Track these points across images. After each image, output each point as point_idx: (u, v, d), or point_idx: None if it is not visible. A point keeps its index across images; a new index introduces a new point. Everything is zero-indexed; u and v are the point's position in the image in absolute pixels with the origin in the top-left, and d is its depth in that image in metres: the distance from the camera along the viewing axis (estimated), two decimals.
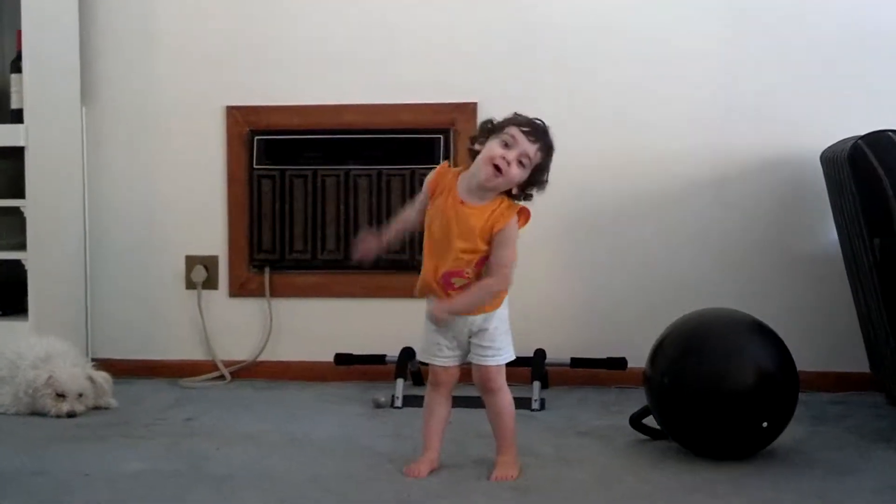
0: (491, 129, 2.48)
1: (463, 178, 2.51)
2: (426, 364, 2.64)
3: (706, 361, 2.67)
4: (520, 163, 2.44)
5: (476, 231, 2.46)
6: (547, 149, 2.48)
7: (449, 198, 2.49)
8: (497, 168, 2.43)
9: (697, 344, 2.73)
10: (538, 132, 2.47)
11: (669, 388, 2.71)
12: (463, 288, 2.49)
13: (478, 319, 2.52)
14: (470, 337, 2.54)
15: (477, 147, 2.49)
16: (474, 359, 2.56)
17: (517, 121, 2.47)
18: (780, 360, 2.71)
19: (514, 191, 2.49)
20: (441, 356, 2.57)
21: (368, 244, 2.58)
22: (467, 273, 2.48)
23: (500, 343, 2.55)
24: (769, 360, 2.70)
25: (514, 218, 2.48)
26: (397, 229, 2.61)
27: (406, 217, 2.61)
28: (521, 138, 2.43)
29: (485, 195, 2.48)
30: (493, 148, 2.44)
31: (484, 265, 2.48)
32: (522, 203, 2.51)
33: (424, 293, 2.55)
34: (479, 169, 2.45)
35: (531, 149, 2.44)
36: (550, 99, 3.60)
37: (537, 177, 2.48)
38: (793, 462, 2.69)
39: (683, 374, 2.69)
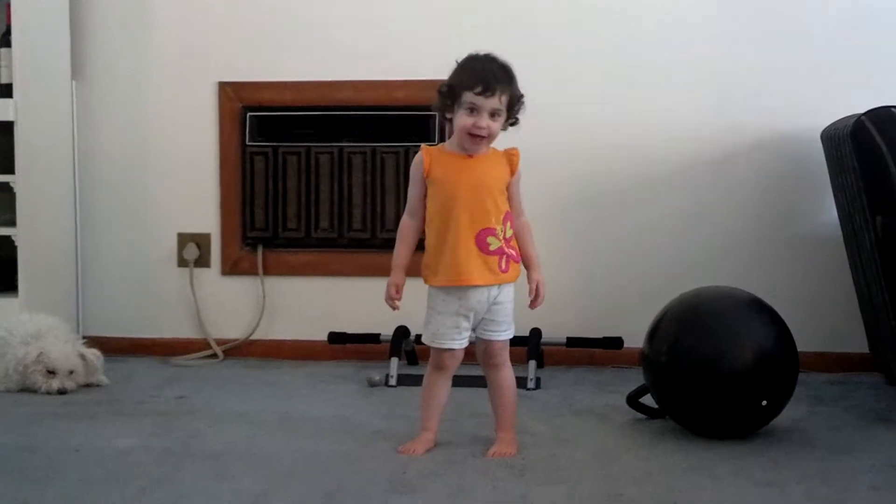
0: (449, 95, 2.48)
1: (450, 143, 2.54)
2: (422, 343, 2.62)
3: (705, 339, 2.64)
4: (492, 116, 2.45)
5: (499, 175, 2.50)
6: (508, 84, 2.46)
7: (453, 162, 2.50)
8: (477, 136, 2.46)
9: (696, 321, 2.69)
10: (491, 84, 2.44)
11: (667, 367, 2.68)
12: (497, 251, 2.48)
13: (495, 291, 2.50)
14: (485, 312, 2.52)
15: (449, 116, 2.50)
16: (483, 334, 2.54)
17: (468, 84, 2.44)
18: (779, 337, 2.68)
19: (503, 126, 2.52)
20: (459, 339, 2.53)
21: (401, 290, 2.55)
22: (499, 232, 2.49)
23: (511, 318, 2.55)
24: (769, 337, 2.67)
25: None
26: (410, 249, 2.56)
27: (409, 232, 2.55)
28: (482, 100, 2.43)
29: (479, 149, 2.50)
30: (462, 119, 2.45)
31: (507, 223, 2.50)
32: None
33: (459, 278, 2.47)
34: (462, 139, 2.48)
35: (495, 102, 2.44)
36: (546, 78, 3.57)
37: (514, 107, 2.49)
38: (792, 441, 2.67)
39: (682, 352, 2.66)
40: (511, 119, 2.50)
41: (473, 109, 2.44)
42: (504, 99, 2.45)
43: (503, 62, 2.49)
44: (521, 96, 2.50)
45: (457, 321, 2.52)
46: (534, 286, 2.52)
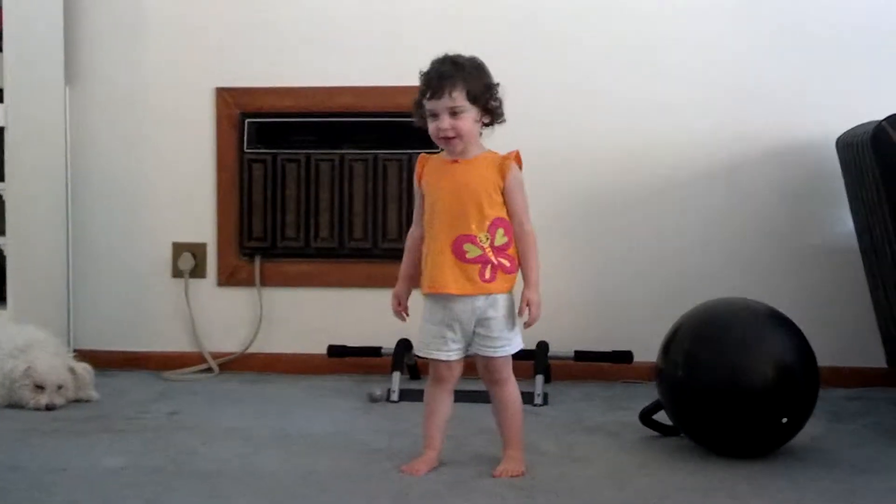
0: (418, 109, 2.44)
1: (442, 153, 2.49)
2: (423, 358, 2.52)
3: (723, 353, 2.54)
4: (453, 114, 2.38)
5: (486, 179, 2.40)
6: (459, 79, 2.38)
7: (440, 168, 2.45)
8: (445, 138, 2.39)
9: (714, 334, 2.59)
10: (434, 85, 2.38)
11: (683, 382, 2.58)
12: (478, 259, 2.39)
13: (481, 302, 2.40)
14: (475, 326, 2.42)
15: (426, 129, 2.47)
16: (480, 350, 2.45)
17: (421, 92, 2.41)
18: (799, 351, 2.58)
19: (486, 121, 2.43)
20: (446, 349, 2.44)
21: (403, 301, 2.50)
22: (480, 240, 2.39)
23: (508, 333, 2.44)
24: (788, 351, 2.57)
25: (515, 163, 2.42)
26: (414, 258, 2.50)
27: (412, 241, 2.50)
28: (434, 103, 2.38)
29: (467, 153, 2.43)
30: (429, 127, 2.41)
31: (496, 230, 2.40)
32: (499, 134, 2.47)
33: (435, 285, 2.41)
34: (440, 146, 2.44)
35: (448, 101, 2.37)
36: (553, 83, 3.53)
37: (483, 98, 2.40)
38: (814, 460, 2.57)
39: (698, 367, 2.56)
40: (490, 111, 2.40)
41: (433, 114, 2.39)
42: (458, 94, 2.37)
43: (455, 58, 2.41)
44: (491, 85, 2.41)
45: (441, 331, 2.43)
46: (524, 306, 2.41)
